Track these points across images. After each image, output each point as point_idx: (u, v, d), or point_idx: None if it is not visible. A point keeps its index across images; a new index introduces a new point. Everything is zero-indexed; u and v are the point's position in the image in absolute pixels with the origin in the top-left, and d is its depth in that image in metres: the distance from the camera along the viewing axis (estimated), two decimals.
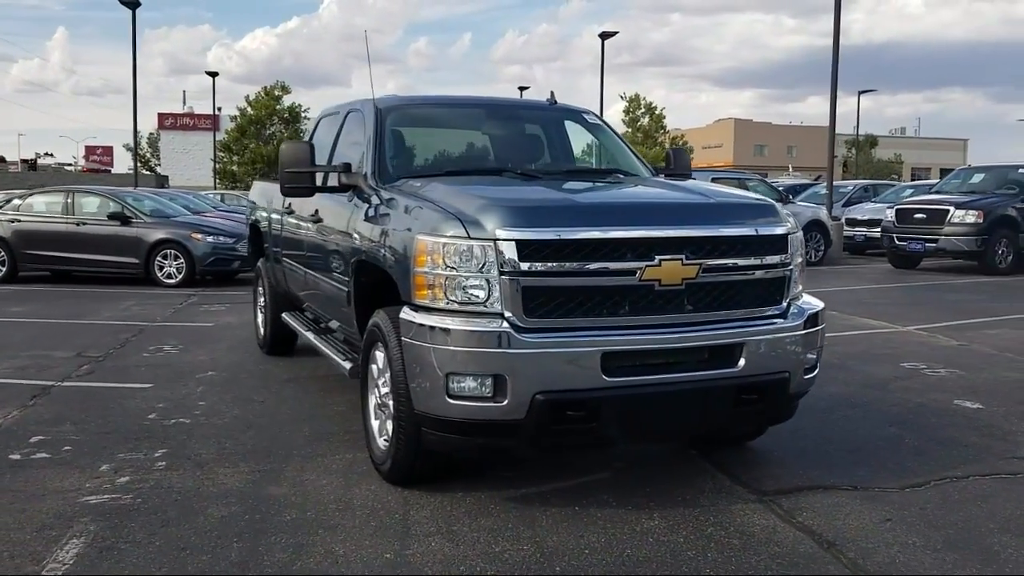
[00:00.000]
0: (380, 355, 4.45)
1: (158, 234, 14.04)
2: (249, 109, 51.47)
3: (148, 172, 61.82)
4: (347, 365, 5.21)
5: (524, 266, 3.76)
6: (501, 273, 3.77)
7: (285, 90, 52.50)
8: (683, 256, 3.91)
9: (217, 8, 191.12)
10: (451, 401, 3.83)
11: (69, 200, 14.66)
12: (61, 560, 3.53)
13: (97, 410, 5.91)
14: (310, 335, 6.36)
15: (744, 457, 4.92)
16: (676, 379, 3.98)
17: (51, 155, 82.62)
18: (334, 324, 6.13)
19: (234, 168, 51.44)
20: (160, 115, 72.30)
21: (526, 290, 3.77)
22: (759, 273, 4.17)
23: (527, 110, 6.36)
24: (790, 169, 55.00)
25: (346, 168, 5.25)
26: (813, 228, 17.72)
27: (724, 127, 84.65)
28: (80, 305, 11.65)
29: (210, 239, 14.12)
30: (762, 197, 4.80)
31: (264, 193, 8.01)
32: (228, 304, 11.77)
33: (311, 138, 6.71)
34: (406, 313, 4.02)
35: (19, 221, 14.56)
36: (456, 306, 3.86)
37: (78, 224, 14.31)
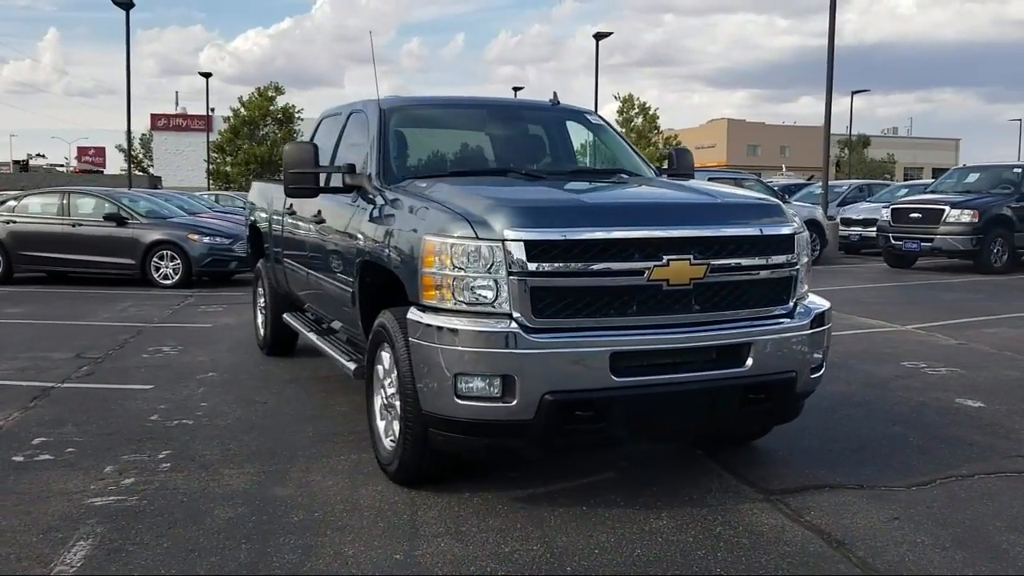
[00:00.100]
0: (386, 356, 4.44)
1: (154, 235, 14.00)
2: (243, 110, 51.40)
3: (141, 173, 61.56)
4: (351, 366, 5.19)
5: (532, 266, 3.75)
6: (509, 273, 3.76)
7: (279, 91, 52.49)
8: (691, 256, 3.92)
9: (209, 9, 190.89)
10: (459, 401, 3.82)
11: (65, 201, 14.60)
12: (69, 562, 3.51)
13: (98, 411, 5.88)
14: (312, 336, 6.35)
15: (749, 456, 4.93)
16: (684, 379, 3.98)
17: (43, 156, 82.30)
18: (336, 325, 6.11)
19: (227, 169, 51.37)
20: (153, 116, 72.12)
21: (534, 290, 3.76)
22: (766, 273, 4.18)
23: (530, 110, 6.36)
24: (783, 169, 55.07)
25: (350, 169, 5.24)
26: (809, 228, 17.56)
27: (717, 127, 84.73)
28: (77, 306, 11.61)
29: (206, 240, 14.08)
30: (768, 197, 4.80)
31: (264, 194, 7.99)
32: (225, 305, 11.74)
33: (312, 139, 6.68)
34: (413, 314, 4.01)
35: (14, 222, 14.50)
36: (464, 307, 3.85)
37: (74, 225, 14.26)
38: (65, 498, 4.24)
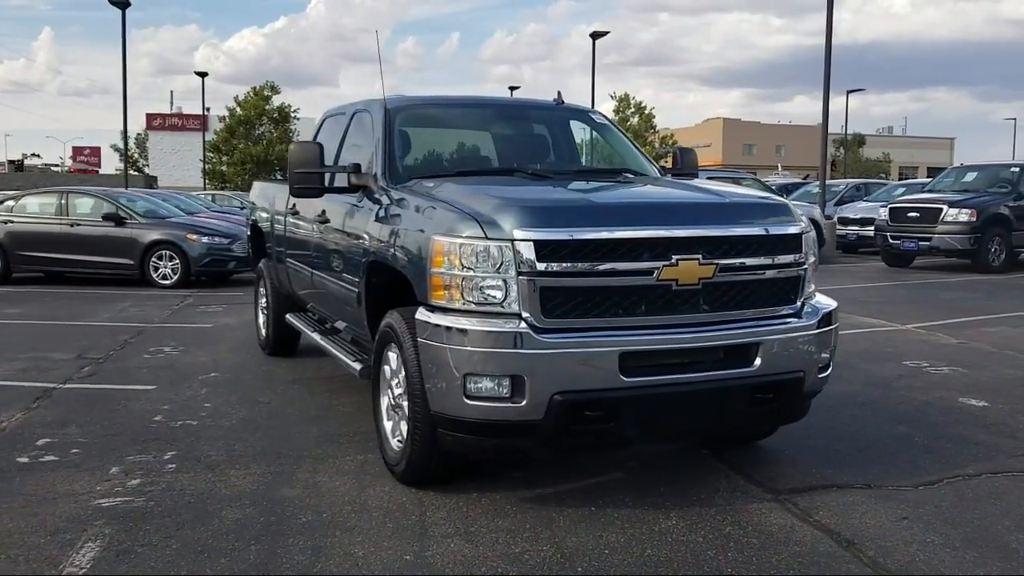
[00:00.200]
0: (393, 356, 4.43)
1: (153, 235, 13.96)
2: (238, 109, 51.32)
3: (136, 173, 61.45)
4: (357, 366, 5.19)
5: (542, 266, 3.75)
6: (519, 273, 3.75)
7: (275, 90, 52.42)
8: (700, 256, 3.91)
9: (204, 8, 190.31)
10: (468, 402, 3.82)
11: (63, 201, 14.55)
12: (78, 564, 3.50)
13: (102, 412, 5.87)
14: (316, 336, 6.34)
15: (756, 456, 4.93)
16: (693, 379, 3.98)
17: (38, 156, 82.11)
18: (340, 325, 6.10)
19: (223, 168, 51.30)
20: (148, 115, 71.99)
21: (544, 290, 3.76)
22: (774, 272, 4.18)
23: (534, 110, 6.35)
24: (779, 168, 55.15)
25: (356, 169, 5.23)
26: None
27: (713, 126, 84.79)
28: (76, 306, 11.58)
29: (205, 240, 14.05)
30: (775, 196, 4.80)
31: (265, 193, 7.98)
32: (225, 305, 11.71)
33: (315, 139, 6.67)
34: (422, 314, 4.00)
35: (12, 222, 14.45)
36: (473, 307, 3.85)
37: (72, 225, 14.22)
38: (72, 499, 4.22)
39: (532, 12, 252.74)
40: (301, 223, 6.38)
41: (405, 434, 4.29)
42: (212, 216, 16.83)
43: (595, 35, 35.99)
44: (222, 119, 53.05)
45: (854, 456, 4.90)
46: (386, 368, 4.57)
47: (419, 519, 3.98)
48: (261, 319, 8.14)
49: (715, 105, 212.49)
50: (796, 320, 4.24)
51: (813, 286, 4.46)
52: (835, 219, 20.68)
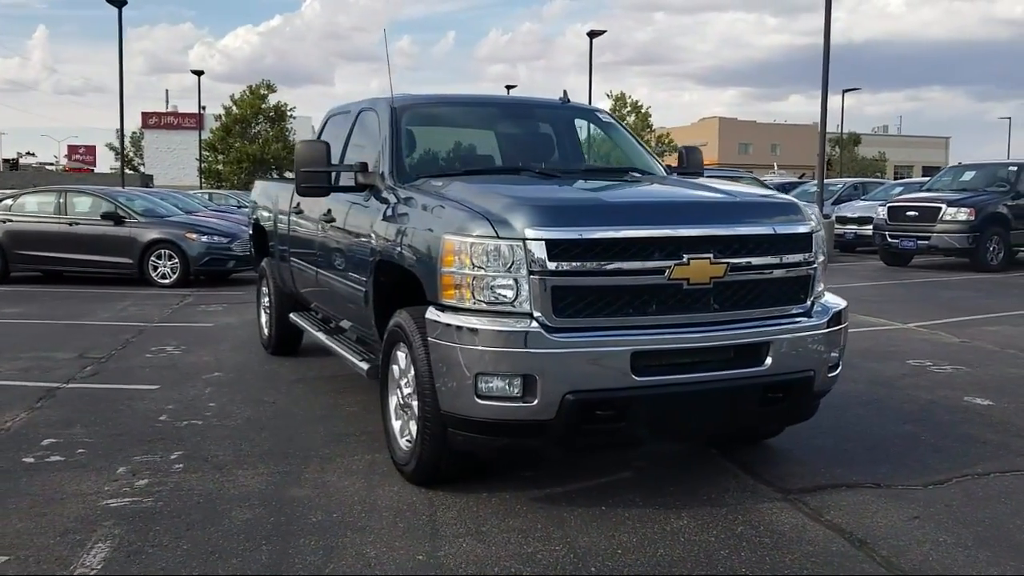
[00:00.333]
0: (402, 355, 4.42)
1: (152, 234, 13.91)
2: (234, 108, 51.21)
3: (132, 171, 61.27)
4: (364, 366, 5.17)
5: (553, 266, 3.74)
6: (530, 273, 3.74)
7: (271, 88, 52.32)
8: (711, 255, 3.91)
9: (199, 6, 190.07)
10: (480, 401, 3.80)
11: (61, 200, 14.50)
12: (89, 564, 3.49)
13: (106, 412, 5.84)
14: (321, 335, 6.32)
15: (764, 455, 4.92)
16: (704, 378, 3.98)
17: (33, 155, 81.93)
18: (345, 324, 6.08)
19: (219, 167, 51.20)
20: (144, 114, 71.71)
21: (555, 290, 3.75)
22: (784, 271, 4.18)
23: (540, 108, 6.33)
24: (775, 167, 55.19)
25: (363, 167, 5.21)
26: None
27: (709, 125, 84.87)
28: (76, 306, 11.54)
29: (204, 239, 14.00)
30: (784, 195, 4.79)
31: (267, 192, 7.96)
32: (225, 304, 11.69)
33: (319, 138, 6.66)
34: (432, 313, 3.99)
35: (11, 221, 14.39)
36: (484, 306, 3.83)
37: (71, 224, 14.17)
38: (79, 500, 4.20)
39: (527, 11, 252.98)
40: (306, 222, 6.36)
41: (414, 434, 4.28)
42: (211, 215, 16.79)
43: (592, 34, 35.98)
44: (218, 118, 52.93)
45: (862, 455, 4.90)
46: (394, 368, 4.56)
47: (430, 519, 3.97)
48: (264, 318, 8.12)
49: (710, 104, 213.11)
50: (806, 319, 4.24)
51: (822, 285, 4.46)
52: (833, 218, 20.69)
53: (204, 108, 53.36)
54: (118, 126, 30.73)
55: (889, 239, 17.08)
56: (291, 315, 7.23)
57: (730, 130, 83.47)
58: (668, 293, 3.88)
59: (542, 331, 3.73)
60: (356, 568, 3.47)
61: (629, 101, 55.16)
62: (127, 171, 37.59)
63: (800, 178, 34.63)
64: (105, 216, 13.98)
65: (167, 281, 13.71)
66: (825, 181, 23.00)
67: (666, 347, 3.90)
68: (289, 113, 52.53)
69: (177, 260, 13.78)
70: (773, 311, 4.16)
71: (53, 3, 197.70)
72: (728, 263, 3.95)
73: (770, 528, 3.86)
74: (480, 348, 3.78)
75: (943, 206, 16.30)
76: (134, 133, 73.47)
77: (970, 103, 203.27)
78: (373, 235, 4.86)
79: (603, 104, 54.11)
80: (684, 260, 3.85)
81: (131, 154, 73.09)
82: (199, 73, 47.14)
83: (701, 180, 5.33)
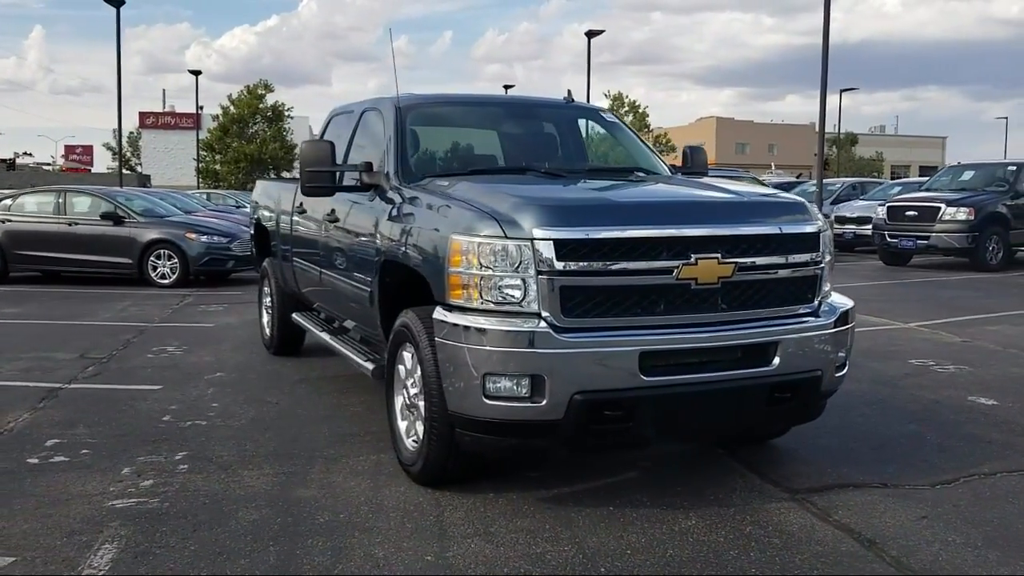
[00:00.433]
0: (408, 355, 4.40)
1: (151, 234, 13.88)
2: (232, 108, 51.12)
3: (129, 171, 61.17)
4: (369, 366, 5.16)
5: (561, 265, 3.73)
6: (538, 272, 3.74)
7: (268, 88, 52.21)
8: (719, 255, 3.90)
9: (196, 6, 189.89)
10: (487, 401, 3.80)
11: (61, 200, 14.46)
12: (96, 566, 3.47)
13: (109, 412, 5.83)
14: (325, 336, 6.30)
15: (771, 455, 4.92)
16: (712, 378, 3.97)
17: (30, 155, 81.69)
18: (349, 324, 6.07)
19: (216, 167, 51.10)
20: (141, 114, 71.54)
21: (564, 289, 3.74)
22: (792, 271, 4.17)
23: (545, 108, 6.32)
24: (772, 167, 55.25)
25: (368, 167, 5.20)
26: None
27: (706, 125, 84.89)
28: (76, 306, 11.51)
29: (204, 239, 13.97)
30: (791, 195, 4.79)
31: (269, 192, 7.95)
32: (225, 304, 11.67)
33: (321, 137, 6.64)
34: (439, 313, 3.98)
35: (10, 221, 14.35)
36: (492, 306, 3.82)
37: (70, 224, 14.13)
38: (85, 500, 4.19)
39: (524, 11, 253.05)
40: (309, 222, 6.35)
41: (421, 434, 4.27)
42: (211, 215, 16.76)
43: (590, 34, 36.04)
44: (215, 118, 52.79)
45: (868, 455, 4.89)
46: (400, 368, 4.55)
47: (437, 519, 3.96)
48: (265, 318, 8.10)
49: (707, 104, 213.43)
50: (814, 319, 4.24)
51: (829, 285, 4.45)
52: (832, 218, 20.69)
53: (201, 108, 53.21)
54: (115, 126, 30.69)
55: (888, 239, 17.10)
56: (294, 315, 7.21)
57: (727, 130, 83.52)
58: (676, 293, 3.87)
59: (550, 331, 3.72)
60: (365, 569, 3.46)
61: (626, 101, 55.11)
62: (124, 171, 37.47)
63: (797, 178, 34.70)
64: (104, 216, 13.94)
65: (167, 281, 13.68)
66: (824, 181, 23.03)
67: (674, 347, 3.89)
68: (287, 113, 52.43)
69: (177, 260, 13.75)
70: (781, 311, 4.16)
71: (50, 3, 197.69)
72: (736, 263, 3.95)
73: (779, 528, 3.85)
74: (488, 348, 3.77)
75: (942, 206, 16.32)
76: (131, 133, 73.31)
77: (966, 103, 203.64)
78: (378, 235, 4.85)
79: (601, 104, 54.18)
80: (692, 260, 3.84)
81: (128, 154, 72.98)
82: (196, 73, 47.10)
83: (707, 180, 5.33)
